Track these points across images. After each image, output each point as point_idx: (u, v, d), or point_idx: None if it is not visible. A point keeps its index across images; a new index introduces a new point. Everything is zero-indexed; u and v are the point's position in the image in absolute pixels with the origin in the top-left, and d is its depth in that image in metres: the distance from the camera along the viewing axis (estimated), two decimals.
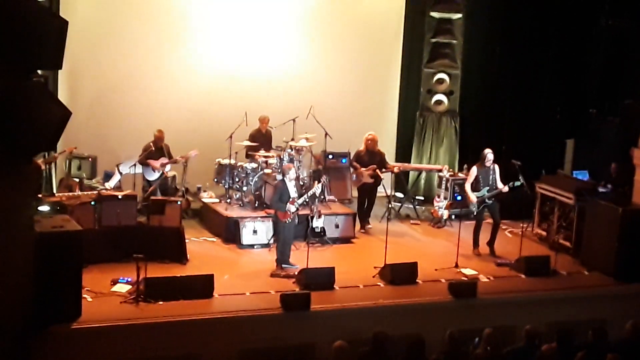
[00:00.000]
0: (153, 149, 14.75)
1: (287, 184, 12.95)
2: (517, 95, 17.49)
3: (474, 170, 14.22)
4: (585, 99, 18.02)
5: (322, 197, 15.11)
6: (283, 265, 12.83)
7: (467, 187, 14.25)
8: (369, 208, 15.55)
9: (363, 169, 15.25)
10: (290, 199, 12.84)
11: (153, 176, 14.85)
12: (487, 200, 14.09)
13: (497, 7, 17.26)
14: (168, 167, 15.06)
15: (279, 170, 14.67)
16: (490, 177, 14.10)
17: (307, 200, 13.42)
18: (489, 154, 14.10)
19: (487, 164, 14.09)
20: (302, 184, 14.75)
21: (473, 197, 14.08)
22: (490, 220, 14.46)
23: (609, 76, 17.83)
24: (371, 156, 15.36)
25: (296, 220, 13.13)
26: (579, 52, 17.80)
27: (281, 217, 12.87)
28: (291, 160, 14.93)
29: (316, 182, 14.37)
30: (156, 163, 14.79)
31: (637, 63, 16.62)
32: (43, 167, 13.79)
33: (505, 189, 14.05)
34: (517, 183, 14.11)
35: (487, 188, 14.06)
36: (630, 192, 14.01)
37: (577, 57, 17.79)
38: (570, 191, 14.47)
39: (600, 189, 14.85)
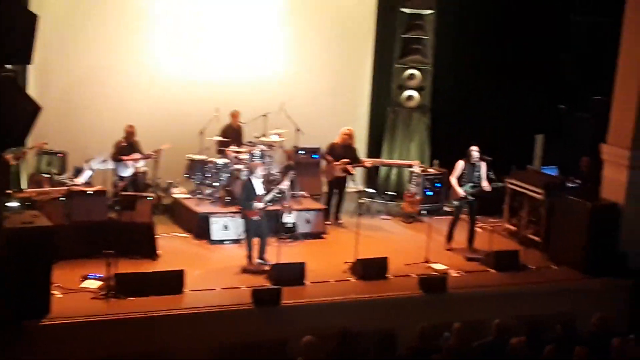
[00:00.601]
0: (125, 144, 14.68)
1: (254, 182, 12.94)
2: (488, 90, 17.58)
3: (460, 164, 14.19)
4: (555, 94, 18.14)
5: (293, 192, 15.11)
6: (259, 261, 12.82)
7: (453, 180, 14.22)
8: (339, 202, 15.60)
9: (335, 162, 15.28)
10: (257, 197, 12.83)
11: (126, 172, 14.78)
12: (468, 197, 14.13)
13: (468, 3, 17.32)
14: (141, 163, 14.99)
15: (246, 168, 14.70)
16: (475, 174, 14.11)
17: (276, 196, 13.38)
18: (473, 151, 14.11)
19: (472, 160, 14.10)
20: (272, 179, 14.75)
21: (460, 191, 14.06)
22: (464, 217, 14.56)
23: (578, 72, 17.95)
24: (345, 150, 15.40)
25: (265, 217, 13.11)
26: (549, 48, 17.90)
27: (249, 215, 12.86)
28: (262, 156, 14.94)
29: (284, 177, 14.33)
30: (129, 159, 14.73)
31: (607, 59, 16.74)
32: (12, 162, 13.69)
33: (489, 188, 14.06)
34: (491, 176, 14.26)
35: (471, 184, 14.12)
36: (599, 187, 14.12)
37: (547, 53, 17.89)
38: (540, 186, 14.60)
39: (569, 185, 14.96)
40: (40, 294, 10.37)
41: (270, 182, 14.30)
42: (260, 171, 13.13)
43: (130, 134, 14.80)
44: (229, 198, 14.76)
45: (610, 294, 13.01)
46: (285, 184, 13.57)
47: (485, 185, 14.08)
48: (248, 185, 12.99)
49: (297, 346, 9.05)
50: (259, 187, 12.96)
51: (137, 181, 14.93)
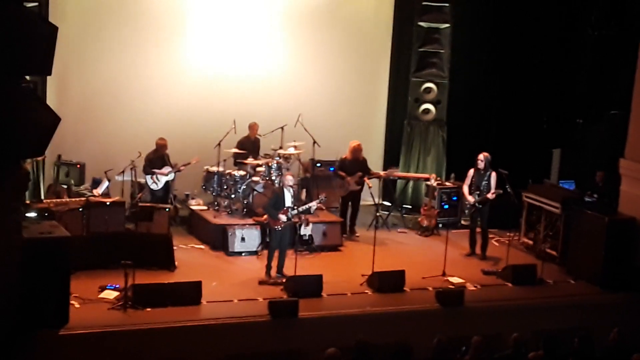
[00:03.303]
0: (156, 157, 14.72)
1: (285, 192, 12.94)
2: (504, 104, 17.59)
3: (470, 172, 14.47)
4: (572, 108, 18.11)
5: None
6: (277, 275, 12.82)
7: (465, 188, 14.54)
8: (354, 214, 15.59)
9: (349, 177, 15.28)
10: (284, 209, 12.84)
11: (156, 185, 14.81)
12: (477, 205, 14.25)
13: (485, 17, 17.36)
14: (171, 176, 15.01)
15: (267, 179, 14.70)
16: (483, 182, 14.24)
17: (302, 213, 13.34)
18: (480, 155, 14.32)
19: (479, 165, 14.29)
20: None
21: (469, 197, 14.38)
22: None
23: (595, 86, 17.91)
24: (356, 164, 15.39)
25: (288, 230, 13.12)
26: (566, 62, 17.89)
27: (272, 224, 12.86)
28: (279, 168, 14.95)
29: (318, 196, 14.09)
30: (161, 173, 14.76)
31: (622, 73, 16.71)
32: (30, 167, 13.74)
33: (491, 196, 14.17)
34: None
35: (478, 192, 14.21)
36: (616, 201, 14.07)
37: (563, 67, 17.88)
38: (557, 200, 14.55)
39: (587, 199, 14.91)
40: (59, 304, 10.42)
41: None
42: (290, 180, 13.08)
43: (161, 146, 14.84)
44: (246, 210, 14.77)
45: (628, 308, 12.91)
46: (314, 204, 13.51)
47: (490, 194, 14.15)
48: (278, 194, 12.99)
49: (314, 358, 9.03)
50: (288, 198, 12.96)
51: (167, 193, 14.93)
